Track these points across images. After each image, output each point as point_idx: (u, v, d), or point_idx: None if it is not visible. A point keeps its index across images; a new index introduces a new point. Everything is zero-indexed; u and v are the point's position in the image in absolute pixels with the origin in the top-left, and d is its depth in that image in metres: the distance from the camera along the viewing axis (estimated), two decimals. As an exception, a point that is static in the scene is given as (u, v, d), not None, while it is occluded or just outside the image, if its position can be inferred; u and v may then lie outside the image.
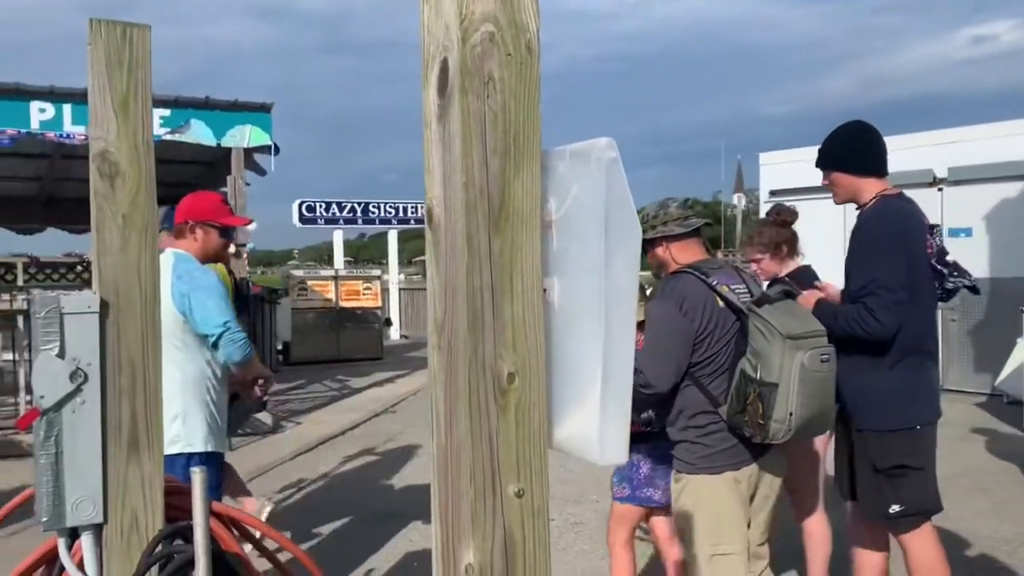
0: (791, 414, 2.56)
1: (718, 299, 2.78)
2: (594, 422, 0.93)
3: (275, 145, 8.45)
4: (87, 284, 9.41)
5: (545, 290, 0.97)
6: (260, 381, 3.71)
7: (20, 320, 7.47)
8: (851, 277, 2.96)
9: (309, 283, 14.14)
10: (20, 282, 7.99)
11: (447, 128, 0.93)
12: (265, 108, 8.40)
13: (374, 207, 17.52)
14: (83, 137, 7.67)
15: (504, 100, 0.93)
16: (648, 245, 2.94)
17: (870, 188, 2.99)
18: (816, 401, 2.63)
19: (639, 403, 2.75)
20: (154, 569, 2.18)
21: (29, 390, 7.52)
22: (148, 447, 2.33)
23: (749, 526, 2.83)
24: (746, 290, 2.84)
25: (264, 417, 8.07)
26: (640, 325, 2.99)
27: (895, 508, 2.87)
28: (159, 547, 2.19)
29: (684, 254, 2.90)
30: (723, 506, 2.76)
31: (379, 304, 14.80)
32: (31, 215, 11.60)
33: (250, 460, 6.81)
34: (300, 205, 16.57)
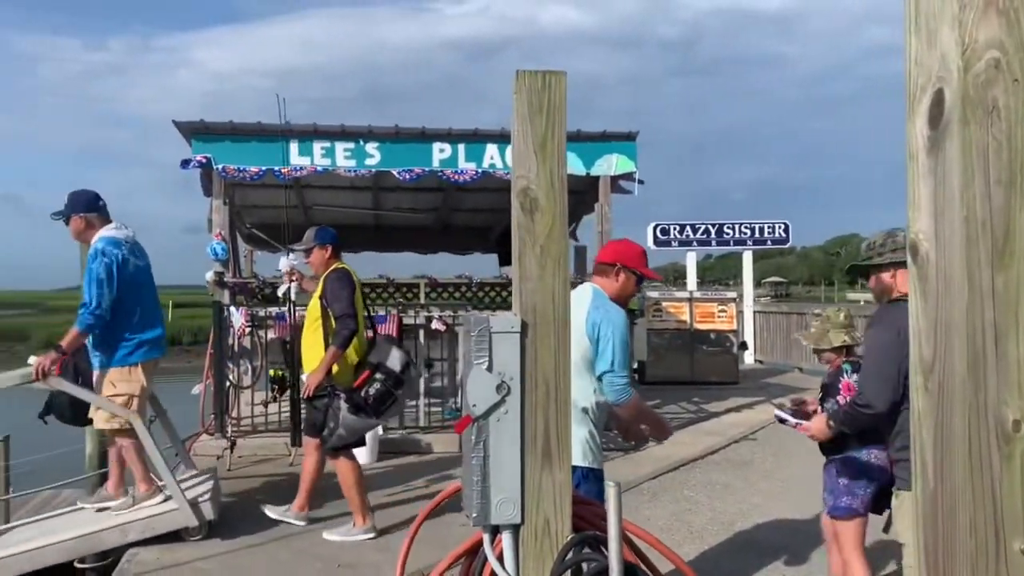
0: None
1: None
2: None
3: (638, 179, 8.74)
4: (470, 302, 10.49)
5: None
6: (644, 427, 3.77)
7: (421, 334, 8.54)
8: None
9: (664, 304, 14.34)
10: (421, 300, 9.14)
11: (940, 160, 0.90)
12: (631, 137, 8.72)
13: (728, 228, 17.30)
14: (473, 172, 8.61)
15: (1010, 128, 0.87)
16: (875, 270, 3.26)
17: None
18: None
19: (858, 422, 3.23)
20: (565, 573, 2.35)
21: (428, 395, 8.57)
22: (559, 458, 2.53)
23: None
24: None
25: (626, 435, 8.34)
26: (848, 350, 3.85)
27: None
28: (570, 553, 2.36)
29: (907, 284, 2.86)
30: None
31: (734, 327, 14.53)
32: (429, 241, 13.32)
33: (609, 475, 7.04)
34: (655, 228, 16.91)
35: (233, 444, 7.44)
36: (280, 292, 6.16)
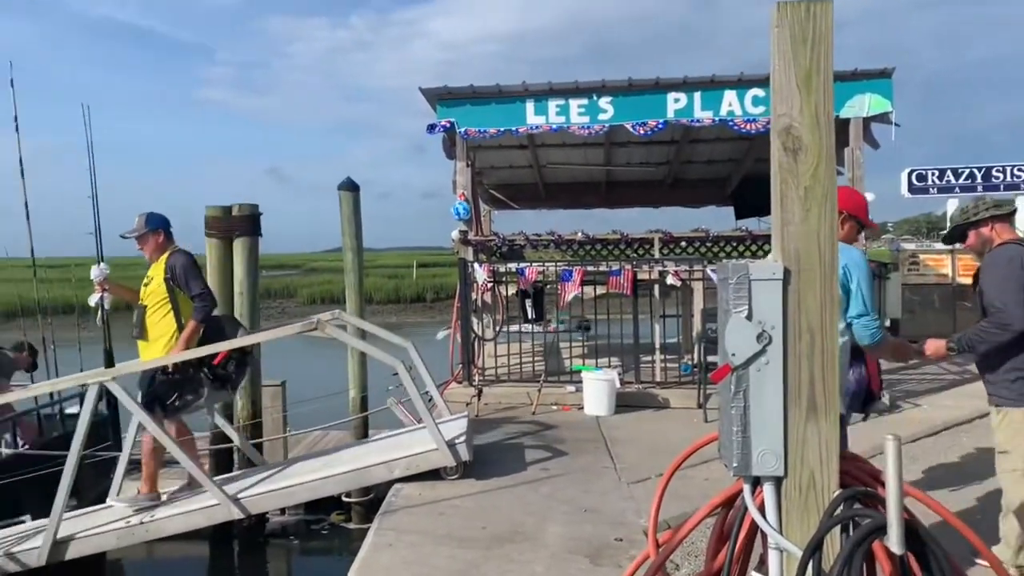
0: None
1: None
2: None
3: (894, 120, 8.01)
4: (705, 257, 10.24)
5: None
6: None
7: (656, 289, 8.49)
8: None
9: (922, 257, 13.18)
10: (656, 255, 9.06)
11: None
12: (886, 74, 8.01)
13: (998, 171, 15.47)
14: (710, 121, 8.35)
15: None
16: (974, 227, 3.87)
17: None
18: None
19: (992, 340, 3.64)
20: (835, 530, 2.25)
21: (664, 351, 8.53)
22: (825, 410, 2.41)
23: None
24: None
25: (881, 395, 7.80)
26: None
27: None
28: (839, 509, 2.25)
29: (1005, 233, 3.80)
30: None
31: (1005, 282, 13.02)
32: (660, 196, 13.13)
33: (866, 438, 6.64)
34: (910, 174, 15.51)
35: (480, 392, 7.85)
36: (92, 302, 6.00)
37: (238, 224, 8.68)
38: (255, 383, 8.77)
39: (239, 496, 5.36)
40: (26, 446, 7.06)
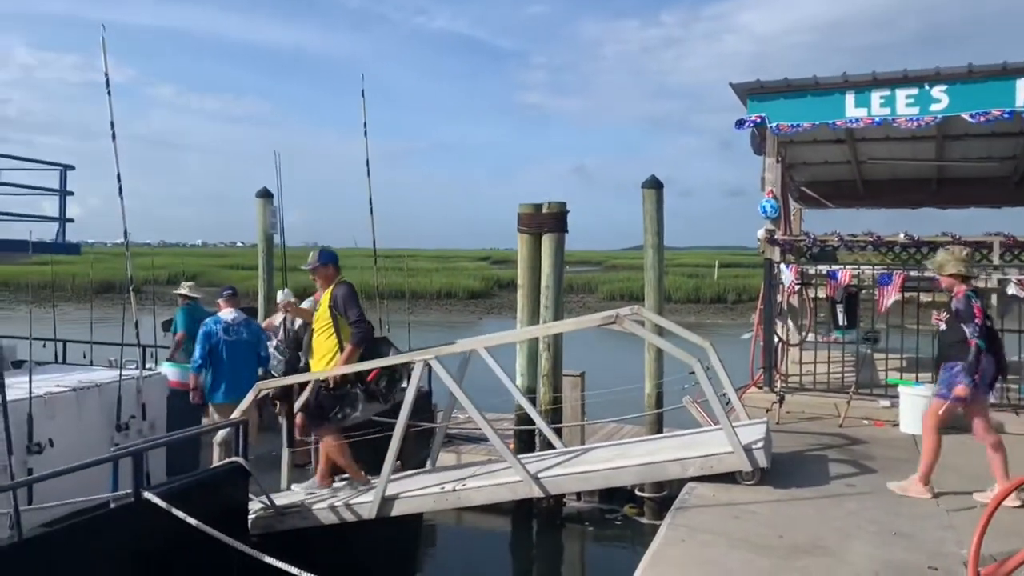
0: None
1: None
2: None
3: None
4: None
5: None
6: None
7: (994, 298, 7.56)
8: None
9: None
10: (996, 260, 8.05)
11: None
12: None
13: None
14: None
15: None
16: None
17: None
18: None
19: None
20: None
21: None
22: None
23: None
24: None
25: None
26: (964, 279, 5.26)
27: None
28: None
29: None
30: None
31: None
32: (1004, 195, 11.60)
33: None
34: None
35: (782, 399, 7.54)
36: (276, 321, 7.45)
37: (547, 220, 9.16)
38: (556, 372, 9.20)
39: (539, 475, 5.67)
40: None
